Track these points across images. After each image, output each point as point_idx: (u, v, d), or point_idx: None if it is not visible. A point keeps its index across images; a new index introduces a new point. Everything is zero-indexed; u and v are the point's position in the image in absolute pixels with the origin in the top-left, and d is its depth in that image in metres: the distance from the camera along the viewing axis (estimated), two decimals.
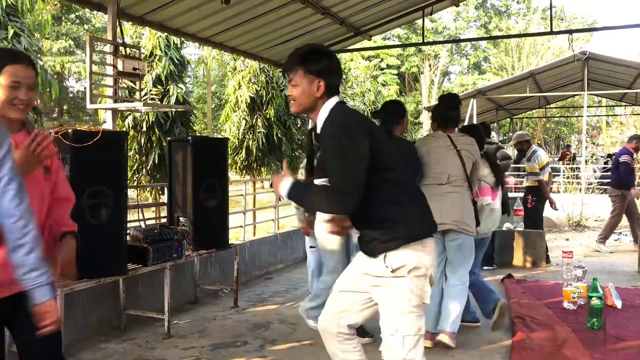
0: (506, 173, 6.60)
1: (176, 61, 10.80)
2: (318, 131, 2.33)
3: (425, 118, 28.63)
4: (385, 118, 4.03)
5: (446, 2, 7.30)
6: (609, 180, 15.42)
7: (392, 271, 2.16)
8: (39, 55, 8.11)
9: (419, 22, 7.66)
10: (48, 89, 7.59)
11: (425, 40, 9.12)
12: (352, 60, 23.08)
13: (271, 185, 2.37)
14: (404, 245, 2.16)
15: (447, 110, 4.14)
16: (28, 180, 1.95)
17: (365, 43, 13.37)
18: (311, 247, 4.64)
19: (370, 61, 27.59)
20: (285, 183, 2.24)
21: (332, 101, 2.28)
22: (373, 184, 2.15)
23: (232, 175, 14.17)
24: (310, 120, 2.54)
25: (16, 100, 1.97)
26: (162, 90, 10.72)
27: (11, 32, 6.89)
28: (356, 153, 2.11)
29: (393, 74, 29.86)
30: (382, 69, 28.93)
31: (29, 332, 1.89)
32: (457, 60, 35.85)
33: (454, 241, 3.98)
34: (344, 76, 20.80)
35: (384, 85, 26.90)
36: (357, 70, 22.57)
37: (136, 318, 4.57)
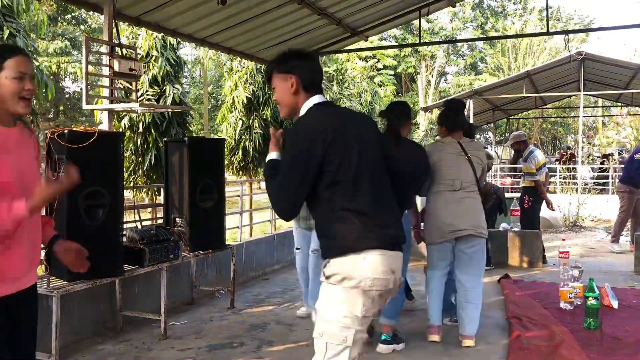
0: (495, 173, 6.60)
1: (172, 62, 10.78)
2: None
3: (422, 119, 28.65)
4: (391, 118, 4.04)
5: (442, 2, 7.31)
6: (604, 180, 15.56)
7: (326, 278, 2.15)
8: (34, 56, 8.08)
9: (416, 22, 7.68)
10: (44, 90, 7.56)
11: (421, 41, 9.13)
12: (348, 60, 23.12)
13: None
14: (342, 255, 2.11)
15: (455, 115, 4.21)
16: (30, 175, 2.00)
17: (362, 44, 13.37)
18: (297, 248, 4.91)
19: (367, 62, 27.63)
20: (271, 154, 2.32)
21: (311, 101, 2.27)
22: (319, 194, 2.15)
23: (229, 175, 14.16)
24: None
25: (25, 91, 1.96)
26: (159, 90, 10.69)
27: (7, 32, 6.86)
28: (302, 165, 2.11)
29: (390, 75, 29.89)
30: (378, 70, 28.96)
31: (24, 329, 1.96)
32: (453, 60, 35.91)
33: (473, 246, 4.07)
34: (340, 77, 20.88)
35: (380, 85, 26.94)
36: (354, 71, 22.60)
37: (132, 319, 4.56)
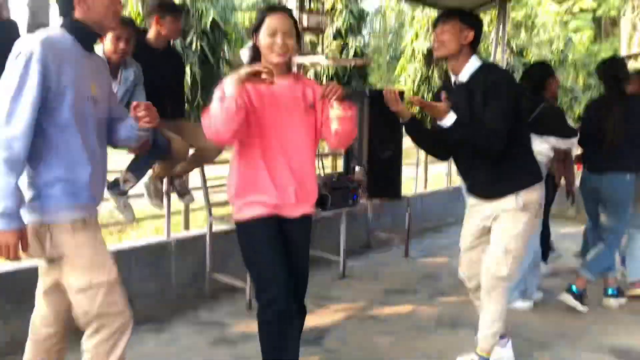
0: None
1: (356, 14, 10.95)
2: (461, 79, 2.65)
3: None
4: (529, 83, 3.87)
5: None
6: None
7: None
8: (234, 13, 8.79)
9: None
10: (241, 44, 8.24)
11: None
12: (539, 4, 21.25)
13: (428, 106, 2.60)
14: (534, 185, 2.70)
15: None
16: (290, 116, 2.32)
17: None
18: None
19: (561, 5, 25.11)
20: (452, 115, 2.54)
21: (476, 58, 2.65)
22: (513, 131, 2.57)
23: None
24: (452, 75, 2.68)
25: (275, 46, 2.24)
26: (342, 43, 10.98)
27: None
28: (510, 103, 2.54)
29: (587, 19, 26.88)
30: (574, 14, 26.19)
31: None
32: None
33: None
34: (529, 22, 19.33)
35: (575, 31, 24.44)
36: (546, 16, 20.76)
37: (313, 259, 4.93)
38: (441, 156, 3.04)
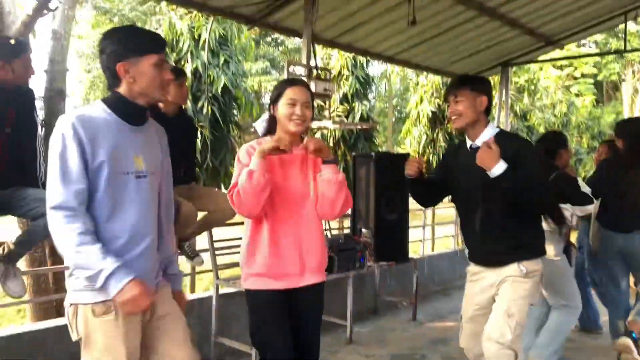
0: None
1: (362, 79, 11.26)
2: (478, 144, 2.64)
3: None
4: (542, 150, 3.88)
5: None
6: None
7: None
8: (243, 79, 9.08)
9: (621, 26, 7.02)
10: (250, 107, 8.47)
11: (627, 47, 8.29)
12: (541, 70, 21.77)
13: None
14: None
15: None
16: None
17: (557, 52, 12.55)
18: None
19: (563, 70, 25.72)
20: (502, 164, 2.50)
21: (492, 125, 2.71)
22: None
23: None
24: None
25: (294, 116, 2.33)
26: (348, 107, 11.25)
27: (222, 59, 7.85)
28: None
29: (589, 83, 27.41)
30: (575, 78, 26.76)
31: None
32: None
33: None
34: (532, 87, 19.73)
35: (577, 95, 24.88)
36: (547, 81, 21.20)
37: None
38: (429, 203, 3.15)
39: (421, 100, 12.89)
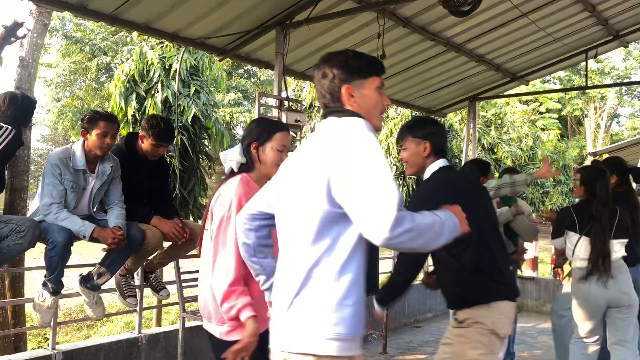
0: None
1: None
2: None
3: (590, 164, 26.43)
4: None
5: (612, 43, 6.85)
6: None
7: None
8: (214, 109, 9.07)
9: (583, 63, 7.29)
10: (221, 138, 8.44)
11: (589, 84, 8.59)
12: (508, 104, 22.36)
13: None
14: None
15: None
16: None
17: (523, 87, 12.92)
18: None
19: (528, 105, 26.48)
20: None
21: (437, 164, 2.58)
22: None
23: None
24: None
25: (282, 162, 2.10)
26: None
27: (193, 89, 7.84)
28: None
29: (553, 118, 28.26)
30: (541, 113, 27.57)
31: None
32: (627, 102, 32.92)
33: None
34: (499, 121, 20.23)
35: (543, 129, 25.58)
36: (514, 115, 21.77)
37: None
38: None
39: (391, 133, 13.07)
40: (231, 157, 2.37)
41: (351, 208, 1.56)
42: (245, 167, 2.36)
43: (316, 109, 11.30)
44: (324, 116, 1.83)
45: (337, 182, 1.59)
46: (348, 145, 1.60)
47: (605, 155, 17.58)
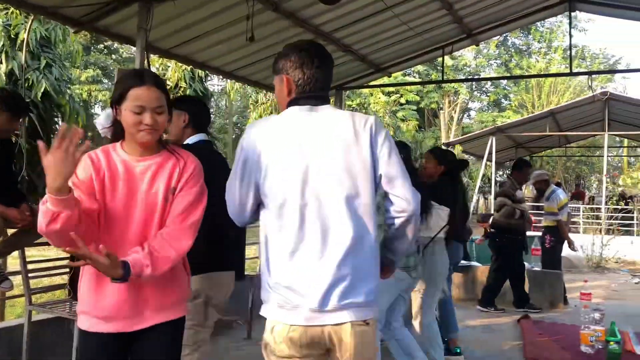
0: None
1: (200, 93, 11.05)
2: None
3: None
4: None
5: (466, 41, 7.42)
6: (629, 222, 15.25)
7: None
8: (68, 85, 8.38)
9: (439, 59, 7.80)
10: (76, 116, 7.82)
11: (445, 78, 9.23)
12: (371, 95, 23.35)
13: None
14: None
15: None
16: None
17: (385, 79, 13.54)
18: None
19: (390, 96, 27.85)
20: None
21: (196, 137, 2.95)
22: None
23: None
24: None
25: (142, 125, 1.90)
26: None
27: (44, 62, 7.15)
28: None
29: (412, 110, 30.02)
30: (401, 105, 29.15)
31: None
32: (477, 97, 35.99)
33: None
34: (363, 110, 21.09)
35: (403, 120, 27.07)
36: (377, 105, 22.79)
37: None
38: None
39: (260, 117, 13.04)
40: (100, 122, 2.09)
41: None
42: (115, 136, 2.01)
43: (182, 89, 10.90)
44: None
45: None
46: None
47: (458, 146, 19.07)
